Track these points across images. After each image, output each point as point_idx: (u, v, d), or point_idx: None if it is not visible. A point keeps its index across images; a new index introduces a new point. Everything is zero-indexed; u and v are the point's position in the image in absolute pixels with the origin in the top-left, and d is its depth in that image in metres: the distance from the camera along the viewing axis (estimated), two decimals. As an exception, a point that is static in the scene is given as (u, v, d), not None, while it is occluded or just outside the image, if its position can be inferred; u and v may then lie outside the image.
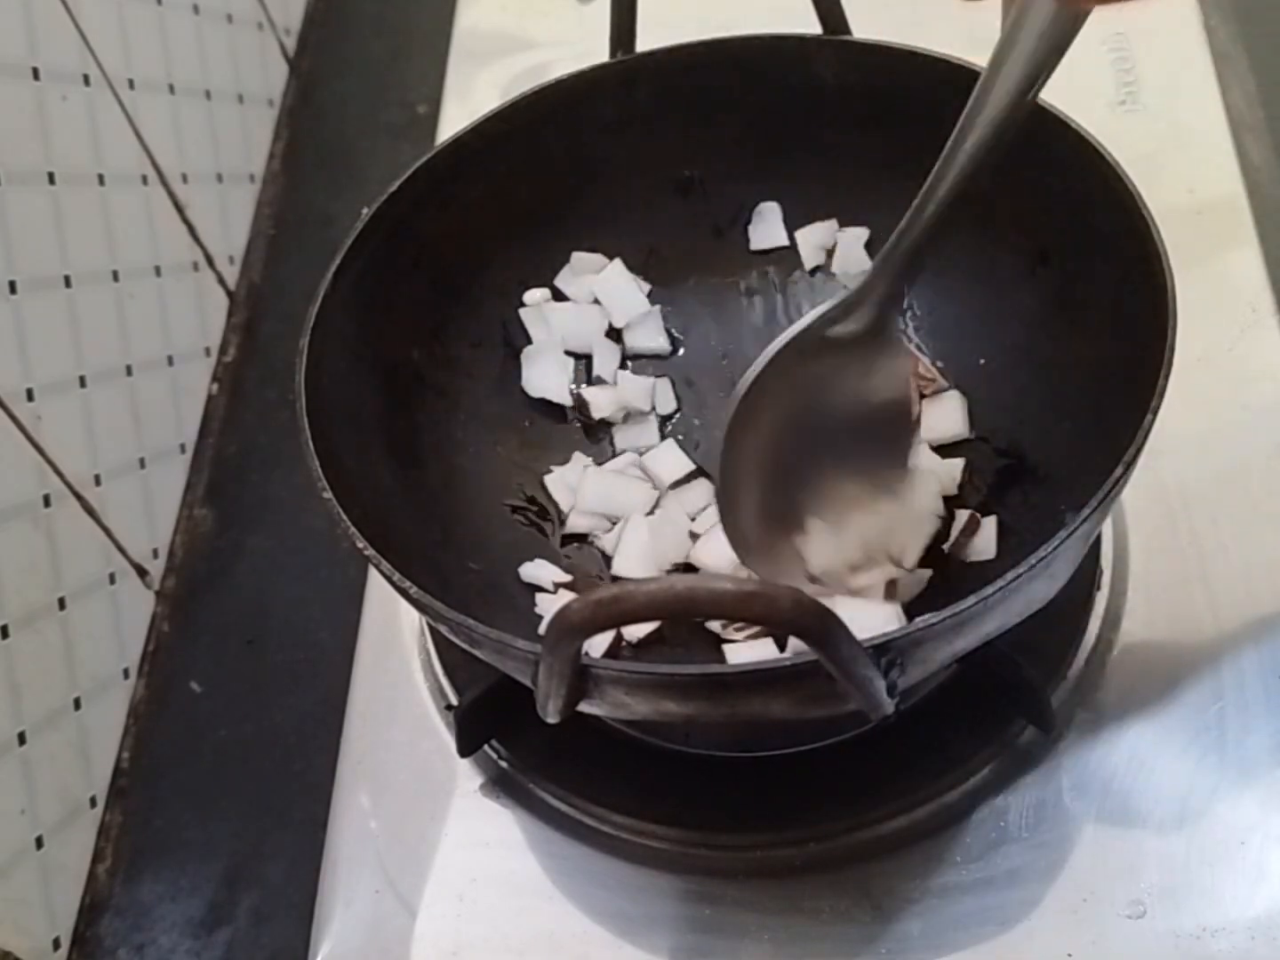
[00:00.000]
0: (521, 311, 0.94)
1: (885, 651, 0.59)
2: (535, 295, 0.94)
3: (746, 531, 0.78)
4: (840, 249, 0.94)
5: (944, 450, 0.87)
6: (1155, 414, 0.64)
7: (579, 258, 0.95)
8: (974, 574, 0.81)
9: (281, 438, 1.11)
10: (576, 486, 0.90)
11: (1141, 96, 1.07)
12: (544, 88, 0.86)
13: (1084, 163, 0.76)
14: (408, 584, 0.65)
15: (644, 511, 0.89)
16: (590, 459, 0.92)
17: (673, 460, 0.91)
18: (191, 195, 1.11)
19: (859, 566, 0.79)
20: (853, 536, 0.79)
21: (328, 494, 0.68)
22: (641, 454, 0.92)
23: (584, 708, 0.64)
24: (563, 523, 0.90)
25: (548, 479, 0.90)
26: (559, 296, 0.95)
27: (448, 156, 0.85)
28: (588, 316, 0.95)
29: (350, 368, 0.80)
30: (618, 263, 0.94)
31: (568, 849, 0.81)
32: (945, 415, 0.87)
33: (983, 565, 0.81)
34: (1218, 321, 0.94)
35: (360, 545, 0.66)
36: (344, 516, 0.67)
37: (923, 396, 0.88)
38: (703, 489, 0.89)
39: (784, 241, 0.94)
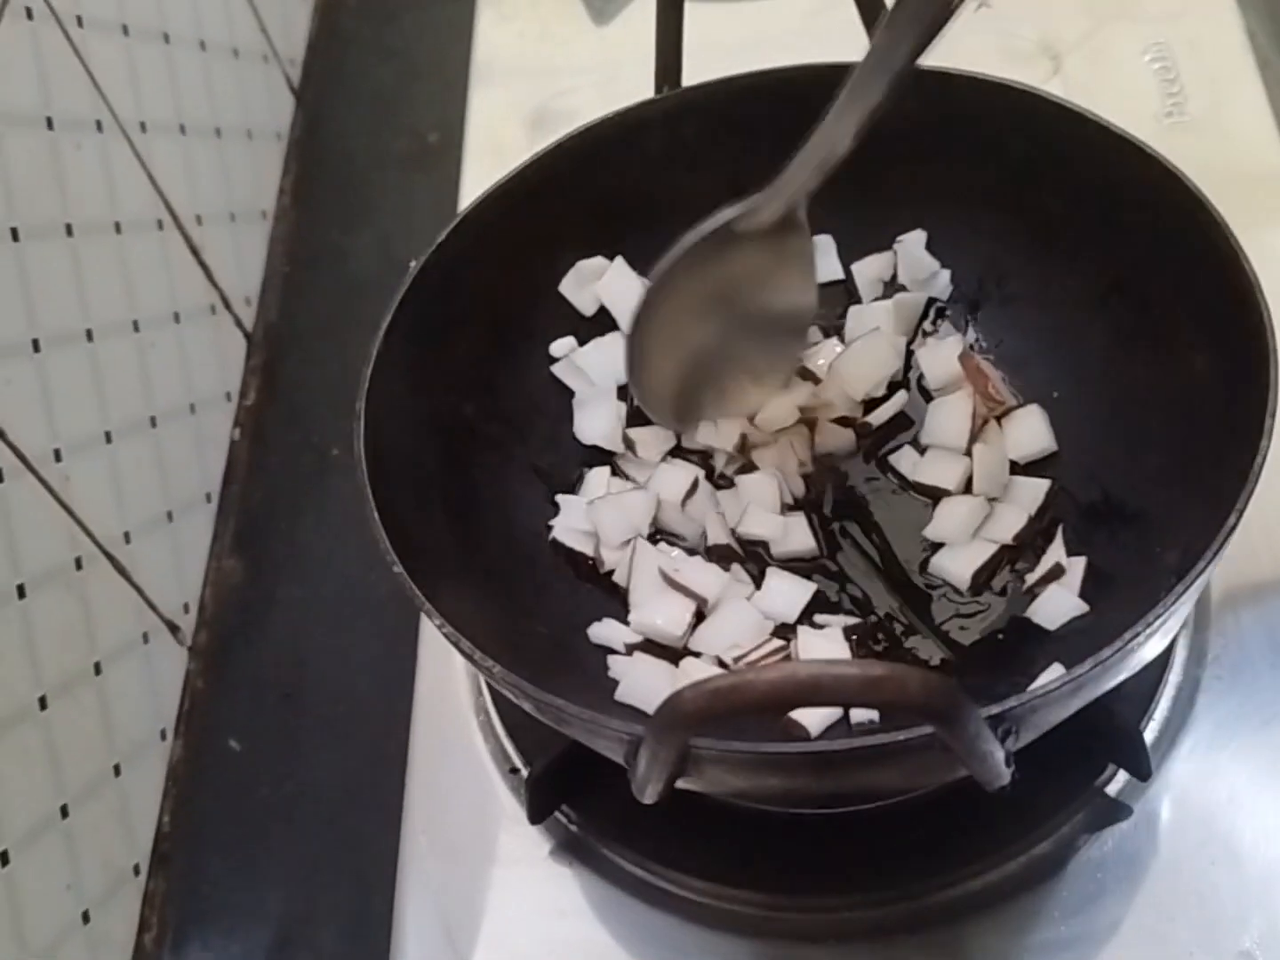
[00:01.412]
0: (554, 369, 0.91)
1: (1002, 720, 0.57)
2: (562, 346, 0.91)
3: (657, 391, 0.83)
4: (902, 256, 0.91)
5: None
6: (1265, 455, 0.62)
7: (582, 266, 0.91)
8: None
9: (307, 482, 1.08)
10: (590, 528, 0.86)
11: (1188, 107, 1.05)
12: (590, 127, 0.84)
13: (1161, 189, 0.74)
14: (490, 663, 0.62)
15: (648, 521, 0.86)
16: (579, 497, 0.89)
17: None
18: (206, 237, 1.09)
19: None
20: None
21: (399, 568, 0.66)
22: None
23: (680, 784, 0.61)
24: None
25: (555, 535, 0.87)
26: (583, 340, 0.92)
27: (493, 203, 0.82)
28: (612, 346, 0.91)
29: (406, 428, 0.77)
30: (619, 262, 0.91)
31: (645, 916, 0.79)
32: (1028, 431, 0.85)
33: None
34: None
35: (438, 623, 0.64)
36: (419, 592, 0.64)
37: (997, 418, 0.85)
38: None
39: (839, 275, 0.92)
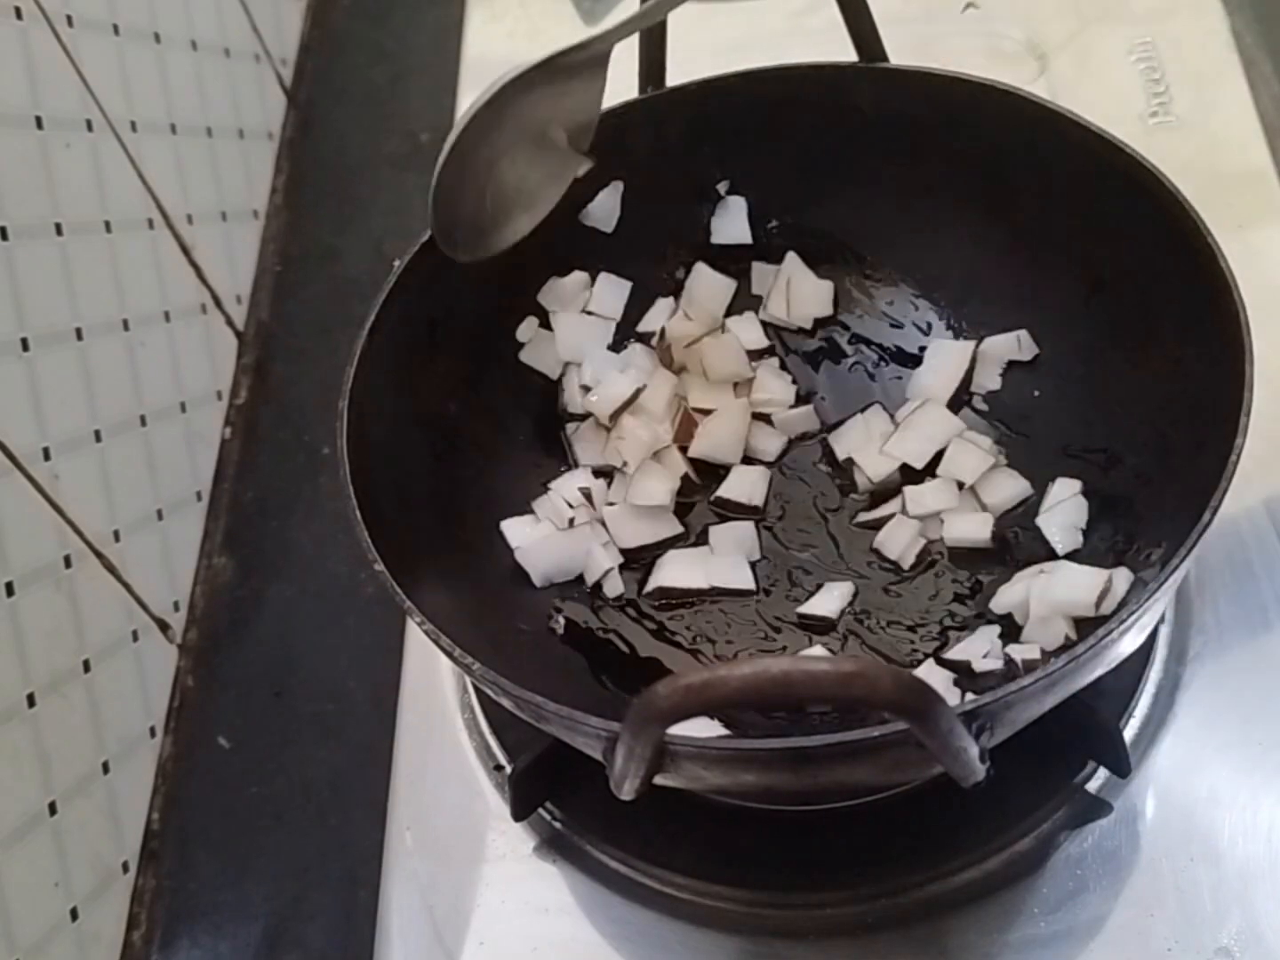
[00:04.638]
0: (521, 355, 0.91)
1: (976, 717, 0.57)
2: (525, 329, 0.90)
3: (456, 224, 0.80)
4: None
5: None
6: (1240, 453, 0.62)
7: (557, 283, 0.91)
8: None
9: (298, 481, 1.08)
10: None
11: (1173, 108, 1.05)
12: (574, 127, 0.84)
13: (1140, 188, 0.74)
14: (470, 660, 0.62)
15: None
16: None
17: None
18: (197, 236, 1.09)
19: None
20: None
21: (380, 566, 0.66)
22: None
23: (658, 780, 0.61)
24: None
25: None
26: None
27: (478, 201, 0.82)
28: (584, 325, 0.92)
29: (390, 428, 0.77)
30: (604, 277, 0.92)
31: (629, 912, 0.79)
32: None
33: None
34: (1269, 335, 0.91)
35: (418, 620, 0.64)
36: (399, 590, 0.64)
37: None
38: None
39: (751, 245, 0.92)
